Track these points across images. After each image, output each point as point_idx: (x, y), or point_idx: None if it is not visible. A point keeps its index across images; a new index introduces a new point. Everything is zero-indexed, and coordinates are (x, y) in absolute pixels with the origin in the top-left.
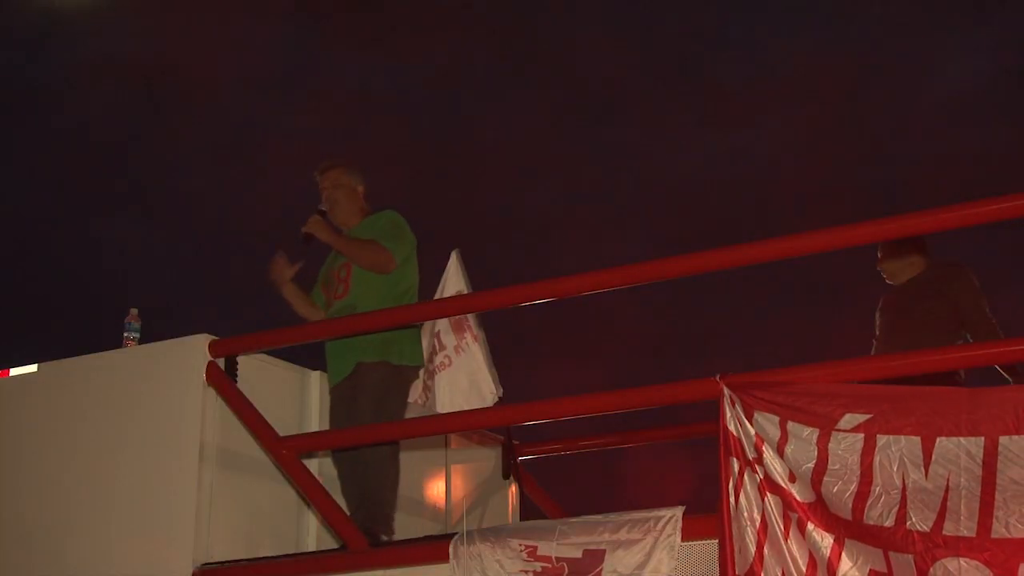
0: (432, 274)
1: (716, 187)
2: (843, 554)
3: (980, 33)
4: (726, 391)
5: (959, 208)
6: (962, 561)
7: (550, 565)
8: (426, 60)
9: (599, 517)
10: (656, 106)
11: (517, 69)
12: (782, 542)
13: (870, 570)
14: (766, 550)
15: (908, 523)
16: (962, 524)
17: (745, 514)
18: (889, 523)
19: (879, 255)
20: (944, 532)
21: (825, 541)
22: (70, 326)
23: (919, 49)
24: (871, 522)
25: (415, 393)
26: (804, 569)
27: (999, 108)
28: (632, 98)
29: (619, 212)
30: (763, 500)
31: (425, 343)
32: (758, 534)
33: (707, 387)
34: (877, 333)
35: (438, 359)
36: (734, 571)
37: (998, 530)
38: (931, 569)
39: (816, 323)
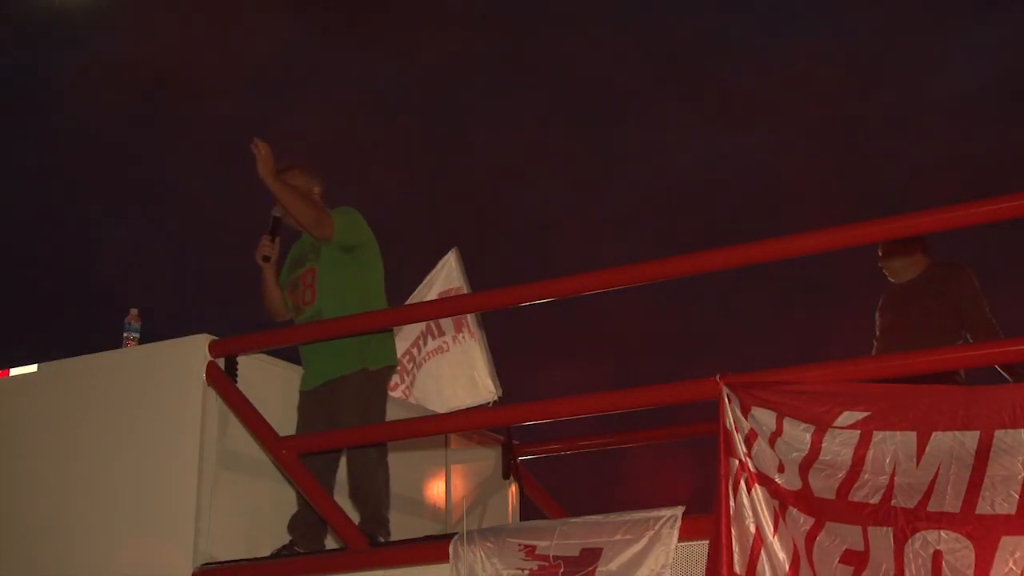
0: (428, 273)
1: (716, 187)
2: (820, 535)
3: (982, 34)
4: (726, 391)
5: (959, 208)
6: (942, 533)
7: (547, 563)
8: (426, 60)
9: (599, 517)
10: (657, 106)
11: (518, 69)
12: (771, 538)
13: (845, 549)
14: (762, 548)
15: (893, 501)
16: (947, 503)
17: (745, 512)
18: (875, 500)
19: (880, 253)
20: (928, 508)
21: (805, 524)
22: (70, 326)
23: (921, 50)
24: (856, 499)
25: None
26: (786, 569)
27: (1000, 109)
28: (633, 98)
29: (619, 212)
30: (757, 496)
31: (416, 329)
32: (756, 532)
33: (707, 387)
34: (877, 333)
35: (433, 344)
36: (731, 570)
37: (983, 507)
38: (910, 540)
39: (816, 323)
